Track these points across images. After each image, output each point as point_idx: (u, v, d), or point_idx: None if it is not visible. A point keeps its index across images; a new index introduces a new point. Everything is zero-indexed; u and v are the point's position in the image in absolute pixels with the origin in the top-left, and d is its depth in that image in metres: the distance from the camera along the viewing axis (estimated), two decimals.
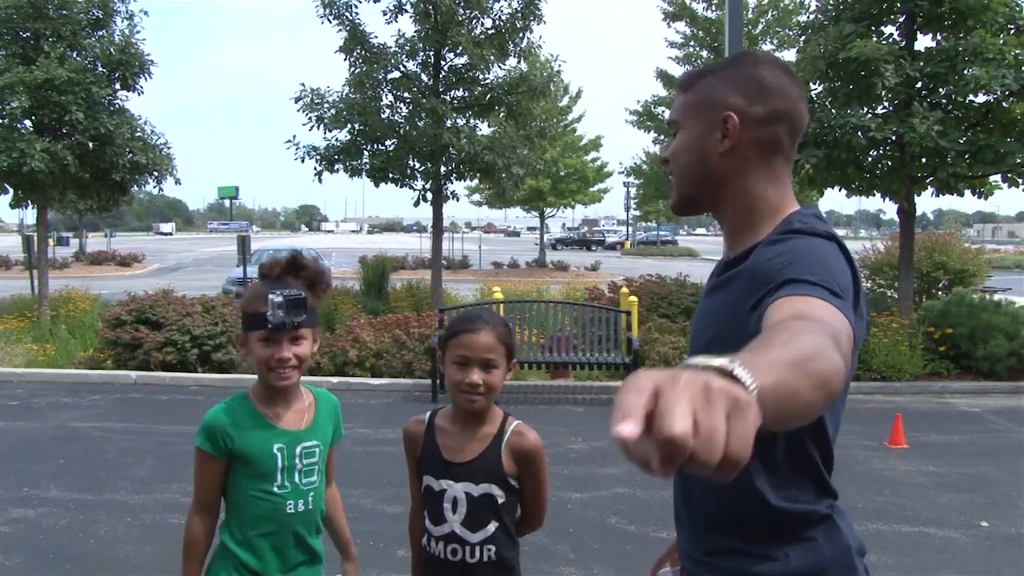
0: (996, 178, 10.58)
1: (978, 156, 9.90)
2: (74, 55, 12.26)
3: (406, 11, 12.84)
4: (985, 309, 10.32)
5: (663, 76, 22.74)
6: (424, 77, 13.18)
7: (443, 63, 13.11)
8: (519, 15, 12.73)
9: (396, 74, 13.13)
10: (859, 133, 9.90)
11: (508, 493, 2.14)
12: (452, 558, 2.12)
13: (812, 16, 12.09)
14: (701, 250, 53.05)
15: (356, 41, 12.81)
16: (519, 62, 13.34)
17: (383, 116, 12.88)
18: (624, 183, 46.37)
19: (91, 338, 11.05)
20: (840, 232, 1.57)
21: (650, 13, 22.29)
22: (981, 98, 10.19)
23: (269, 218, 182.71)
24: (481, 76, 13.11)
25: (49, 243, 15.31)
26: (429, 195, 13.23)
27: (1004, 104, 9.97)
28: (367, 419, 7.93)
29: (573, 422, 8.14)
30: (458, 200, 14.95)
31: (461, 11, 12.56)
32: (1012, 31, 10.33)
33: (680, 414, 0.70)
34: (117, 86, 12.59)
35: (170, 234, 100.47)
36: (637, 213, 52.11)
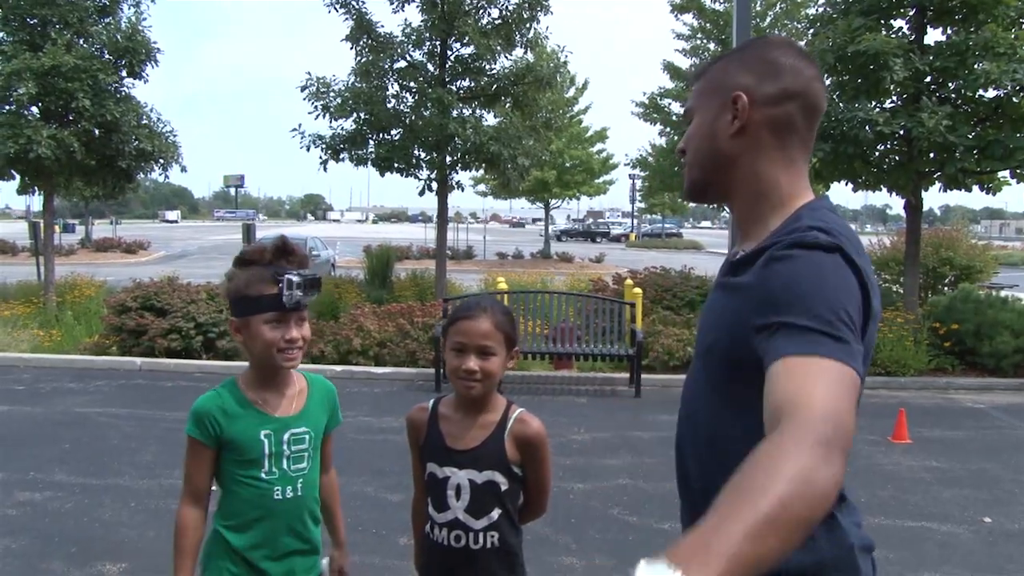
0: (1005, 174, 10.56)
1: (987, 151, 9.86)
2: (81, 42, 12.24)
3: (413, 0, 12.81)
4: (991, 305, 10.30)
5: (670, 68, 22.68)
6: (430, 67, 13.15)
7: (449, 53, 13.08)
8: (526, 5, 12.67)
9: (402, 63, 13.10)
10: (867, 127, 9.86)
11: (511, 480, 2.14)
12: (455, 544, 2.13)
13: (821, 9, 12.05)
14: (706, 243, 53.01)
15: (362, 30, 12.79)
16: (525, 52, 13.30)
17: (389, 105, 12.86)
18: (630, 175, 46.40)
19: (96, 324, 11.08)
20: None
21: (658, 5, 22.17)
22: (991, 93, 10.16)
23: (274, 207, 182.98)
24: (487, 66, 13.07)
25: (55, 230, 15.34)
26: (434, 185, 13.22)
27: (1014, 99, 9.95)
28: (370, 408, 7.94)
29: (576, 413, 8.15)
30: (463, 190, 14.91)
31: (468, 1, 12.52)
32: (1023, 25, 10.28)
33: None
34: (123, 73, 12.58)
35: (175, 222, 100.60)
36: (642, 205, 52.08)
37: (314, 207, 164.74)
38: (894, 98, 10.83)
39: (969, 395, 9.47)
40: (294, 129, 12.87)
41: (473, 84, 13.31)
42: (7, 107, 11.77)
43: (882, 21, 10.71)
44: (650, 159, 27.85)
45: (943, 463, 6.67)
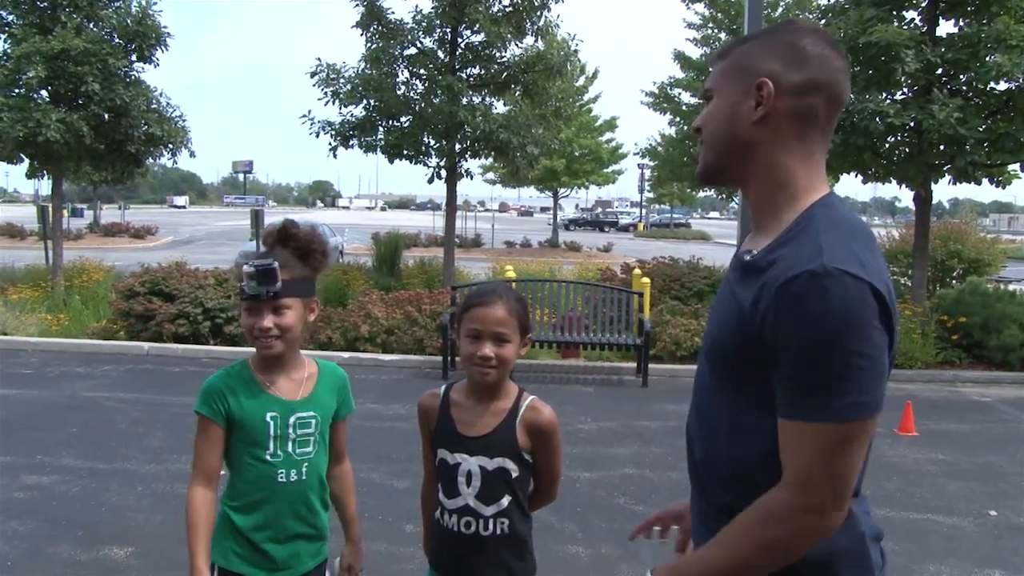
0: (1015, 167, 10.50)
1: (998, 144, 9.81)
2: (91, 25, 12.24)
3: None
4: (999, 299, 10.26)
5: (681, 58, 22.55)
6: (440, 54, 13.13)
7: (460, 40, 13.06)
8: None
9: (412, 50, 13.08)
10: (877, 119, 9.80)
11: (522, 467, 2.15)
12: (466, 531, 2.13)
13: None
14: (714, 233, 52.88)
15: (373, 16, 12.77)
16: (536, 41, 13.26)
17: (399, 92, 12.85)
18: (639, 165, 46.22)
19: (104, 309, 11.12)
20: None
21: None
22: (1003, 85, 10.08)
23: (282, 193, 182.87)
24: (498, 54, 13.05)
25: (63, 214, 15.37)
26: (443, 172, 13.22)
27: None
28: (377, 395, 7.95)
29: (583, 402, 8.16)
30: (472, 178, 14.92)
31: None
32: None
33: None
34: (133, 57, 12.59)
35: (184, 207, 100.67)
36: (651, 195, 51.95)
37: (322, 194, 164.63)
38: (905, 90, 10.76)
39: (976, 388, 9.44)
40: (304, 115, 12.90)
41: (483, 72, 13.29)
42: (16, 90, 11.79)
43: (894, 12, 10.64)
44: (659, 149, 27.75)
45: (949, 456, 6.66)
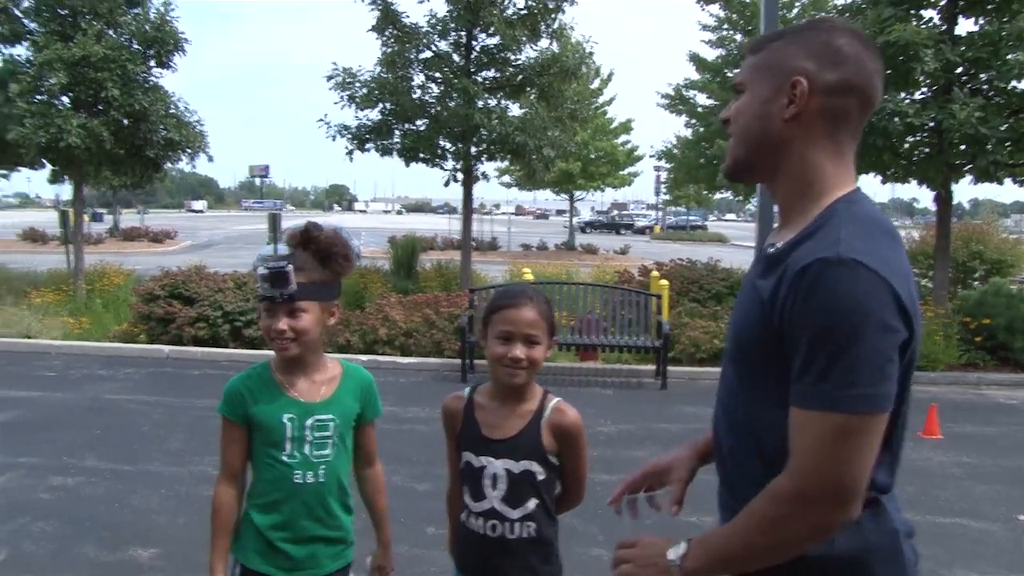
0: None
1: (1020, 143, 9.73)
2: (111, 32, 12.33)
3: None
4: (1023, 300, 10.15)
5: (696, 60, 22.51)
6: (456, 57, 13.14)
7: (475, 43, 13.06)
8: None
9: (428, 54, 13.10)
10: (896, 118, 9.73)
11: (548, 470, 2.14)
12: (491, 534, 2.13)
13: None
14: (731, 236, 52.63)
15: (388, 20, 12.79)
16: (551, 43, 13.26)
17: (414, 96, 12.87)
18: (655, 167, 46.08)
19: (125, 312, 11.19)
20: None
21: None
22: None
23: (299, 197, 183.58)
24: (513, 57, 13.05)
25: (84, 219, 15.49)
26: (459, 175, 13.22)
27: None
28: (396, 397, 7.97)
29: (602, 404, 8.14)
30: (488, 181, 14.94)
31: None
32: None
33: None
34: (152, 63, 12.68)
35: (201, 211, 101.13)
36: (667, 197, 51.77)
37: (339, 197, 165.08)
38: (924, 89, 10.68)
39: (1001, 391, 9.35)
40: (320, 119, 12.95)
41: (498, 74, 13.29)
42: (39, 97, 11.89)
43: (912, 11, 10.57)
44: (675, 151, 27.68)
45: (975, 459, 6.60)
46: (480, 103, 12.52)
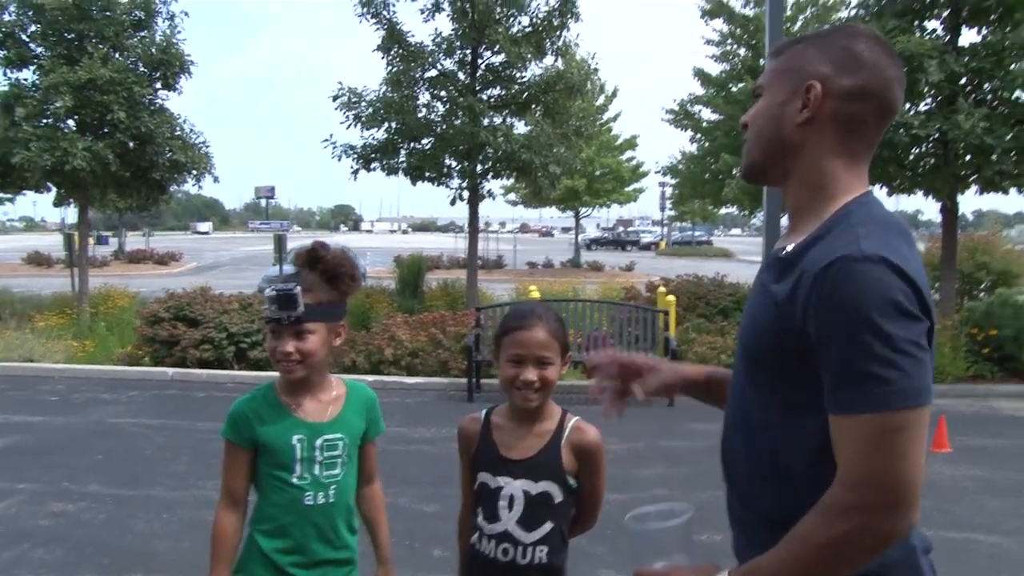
0: None
1: None
2: (117, 55, 12.39)
3: (443, 9, 12.83)
4: None
5: (701, 75, 22.51)
6: (461, 75, 13.17)
7: (480, 61, 13.09)
8: (556, 13, 12.66)
9: (433, 72, 13.12)
10: (901, 130, 9.71)
11: (566, 493, 2.10)
12: (502, 558, 2.07)
13: (853, 11, 11.90)
14: (737, 251, 52.58)
15: (393, 40, 12.83)
16: (556, 60, 13.29)
17: (420, 115, 12.89)
18: (660, 183, 46.07)
19: (129, 335, 11.17)
20: None
21: (688, 11, 22.08)
22: None
23: (304, 217, 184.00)
24: (518, 74, 13.07)
25: (89, 241, 15.53)
26: (465, 194, 13.22)
27: None
28: (403, 418, 7.91)
29: (610, 423, 8.05)
30: (494, 199, 14.95)
31: (498, 9, 12.51)
32: None
33: None
34: (158, 86, 12.75)
35: (207, 233, 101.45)
36: (672, 213, 51.77)
37: (344, 217, 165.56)
38: (929, 100, 10.66)
39: (1011, 403, 9.26)
40: (325, 139, 12.97)
41: (504, 92, 13.31)
42: (44, 120, 11.94)
43: (916, 23, 10.57)
44: (680, 166, 27.69)
45: (987, 472, 6.52)
46: (485, 121, 12.54)
